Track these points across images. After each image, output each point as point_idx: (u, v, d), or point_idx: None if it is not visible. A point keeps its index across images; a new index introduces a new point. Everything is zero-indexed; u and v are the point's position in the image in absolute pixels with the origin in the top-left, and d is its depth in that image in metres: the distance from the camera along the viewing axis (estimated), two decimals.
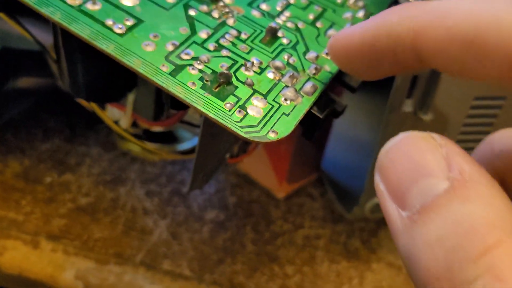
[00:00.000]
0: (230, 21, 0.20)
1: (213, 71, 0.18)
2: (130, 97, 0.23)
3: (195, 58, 0.18)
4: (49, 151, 0.34)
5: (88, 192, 0.32)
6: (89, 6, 0.19)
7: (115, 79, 0.22)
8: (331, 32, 0.21)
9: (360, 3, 0.23)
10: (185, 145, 0.33)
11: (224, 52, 0.19)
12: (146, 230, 0.31)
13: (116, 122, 0.27)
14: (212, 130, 0.20)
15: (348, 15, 0.22)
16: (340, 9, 0.22)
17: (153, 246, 0.30)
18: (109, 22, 0.18)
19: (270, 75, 0.19)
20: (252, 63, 0.19)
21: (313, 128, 0.19)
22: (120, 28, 0.18)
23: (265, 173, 0.32)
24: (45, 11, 0.18)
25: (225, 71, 0.18)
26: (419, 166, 0.11)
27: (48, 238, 0.30)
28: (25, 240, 0.30)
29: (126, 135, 0.26)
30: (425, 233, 0.11)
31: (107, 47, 0.18)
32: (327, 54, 0.20)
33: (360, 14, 0.22)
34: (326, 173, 0.32)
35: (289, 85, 0.18)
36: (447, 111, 0.23)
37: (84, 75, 0.22)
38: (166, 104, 0.21)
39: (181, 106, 0.20)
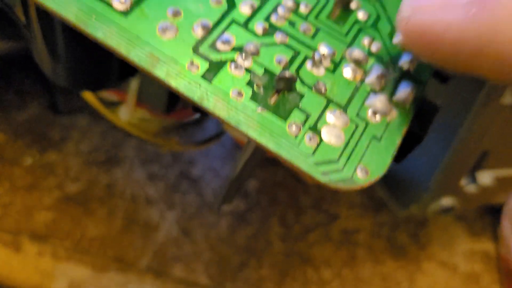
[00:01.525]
0: None
1: (266, 71, 0.12)
2: (134, 83, 0.17)
3: (237, 49, 0.12)
4: (27, 122, 0.28)
5: (77, 176, 0.26)
6: None
7: (113, 59, 0.16)
8: None
9: None
10: None
11: (279, 37, 0.13)
12: (151, 225, 0.25)
13: (112, 104, 0.21)
14: None
15: None
16: None
17: (161, 246, 0.25)
18: None
19: (347, 72, 0.13)
20: (322, 55, 0.13)
21: (408, 149, 0.13)
22: (122, 2, 0.12)
23: None
24: None
25: (287, 74, 0.12)
26: None
27: (32, 237, 0.24)
28: (5, 240, 0.24)
29: (126, 126, 0.20)
30: None
31: (104, 34, 0.12)
32: None
33: None
34: None
35: (377, 89, 0.13)
36: None
37: (68, 55, 0.15)
38: None
39: None
